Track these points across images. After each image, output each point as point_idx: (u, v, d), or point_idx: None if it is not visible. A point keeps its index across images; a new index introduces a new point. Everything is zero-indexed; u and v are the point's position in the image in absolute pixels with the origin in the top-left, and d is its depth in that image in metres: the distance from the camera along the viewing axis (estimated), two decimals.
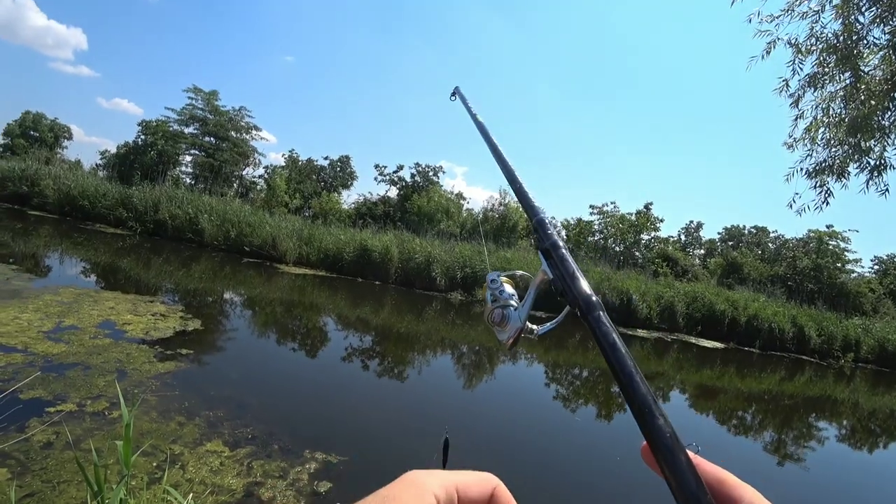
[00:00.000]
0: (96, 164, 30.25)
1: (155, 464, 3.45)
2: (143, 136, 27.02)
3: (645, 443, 0.37)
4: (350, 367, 7.54)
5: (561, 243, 0.51)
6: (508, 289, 0.54)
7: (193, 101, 27.84)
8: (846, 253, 26.39)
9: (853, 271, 27.07)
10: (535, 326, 0.51)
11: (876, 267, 29.59)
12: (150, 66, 73.57)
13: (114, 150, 28.90)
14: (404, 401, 6.50)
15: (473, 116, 0.93)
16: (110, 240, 15.90)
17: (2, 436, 3.48)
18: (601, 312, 0.43)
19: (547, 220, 0.56)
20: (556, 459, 5.35)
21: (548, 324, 0.50)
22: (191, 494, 2.45)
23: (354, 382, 6.92)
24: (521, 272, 0.58)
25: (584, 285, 0.45)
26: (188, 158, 28.46)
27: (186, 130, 28.03)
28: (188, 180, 27.51)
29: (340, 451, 4.18)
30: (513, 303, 0.52)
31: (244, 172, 30.28)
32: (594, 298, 0.44)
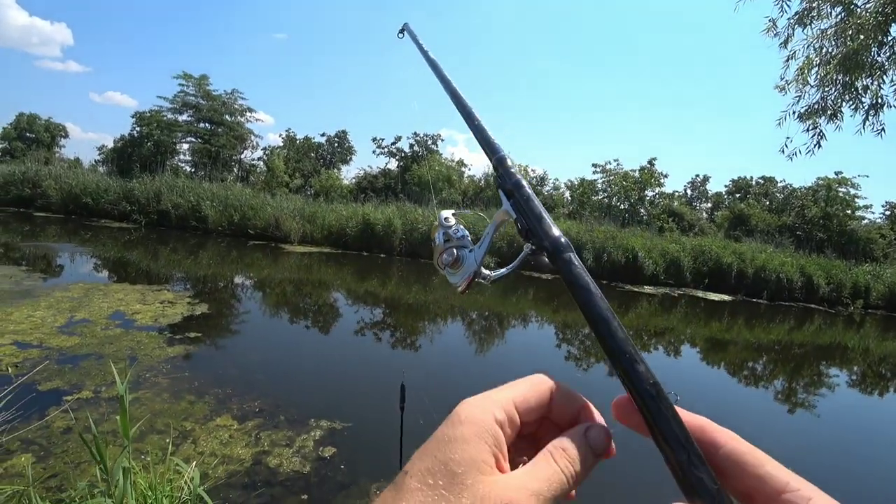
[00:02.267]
0: (95, 161, 30.31)
1: (167, 440, 3.61)
2: (137, 128, 26.94)
3: (620, 397, 0.35)
4: (357, 340, 7.68)
5: (524, 182, 0.48)
6: (462, 229, 0.49)
7: (184, 88, 27.58)
8: (856, 199, 25.91)
9: (864, 218, 26.62)
10: (488, 272, 0.47)
11: (888, 213, 29.06)
12: (139, 54, 72.48)
13: (111, 145, 28.91)
14: (411, 369, 6.64)
15: (425, 53, 0.84)
16: (116, 234, 16.08)
17: (24, 424, 3.64)
18: (571, 254, 0.40)
19: (508, 159, 0.52)
20: None
21: (502, 269, 0.47)
22: (194, 463, 2.57)
23: (361, 354, 7.07)
24: (475, 212, 0.54)
25: (553, 226, 0.43)
26: (185, 146, 28.41)
27: (181, 118, 27.87)
28: (187, 168, 27.52)
29: (344, 418, 4.33)
30: (467, 244, 0.48)
31: (242, 156, 30.22)
32: (563, 240, 0.42)
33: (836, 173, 25.70)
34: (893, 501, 4.58)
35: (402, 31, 0.98)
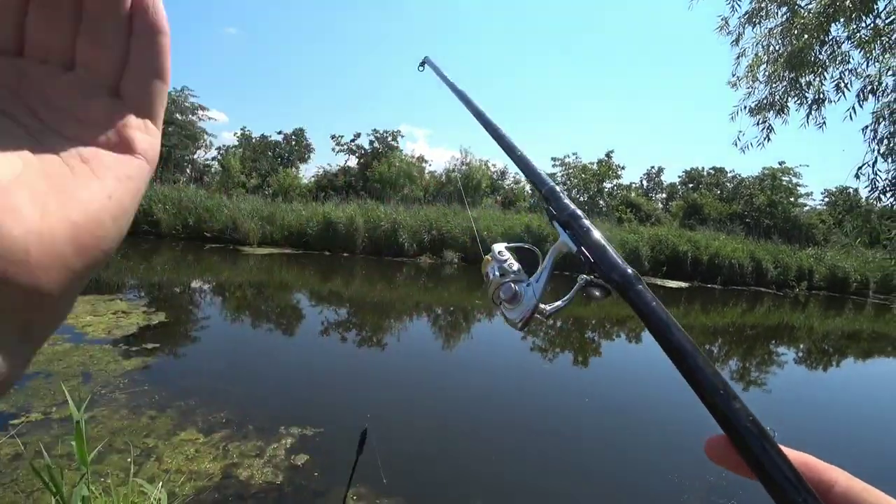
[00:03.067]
0: None
1: (128, 459, 3.42)
2: None
3: (715, 437, 0.32)
4: (324, 341, 7.55)
5: (580, 212, 0.46)
6: (517, 263, 0.48)
7: None
8: (798, 187, 27.65)
9: (805, 205, 28.48)
10: (544, 305, 0.45)
11: (826, 199, 31.10)
12: None
13: None
14: (381, 369, 6.58)
15: (452, 86, 0.82)
16: None
17: None
18: (641, 286, 0.38)
19: (558, 189, 0.50)
20: (539, 409, 5.56)
21: (558, 302, 0.45)
22: (160, 483, 2.44)
23: (329, 356, 6.95)
24: (528, 245, 0.51)
25: (616, 256, 0.41)
26: None
27: None
28: None
29: (315, 424, 4.24)
30: (524, 278, 0.46)
31: (196, 156, 29.05)
32: (630, 271, 0.40)
33: (780, 163, 27.29)
34: (841, 456, 4.90)
35: (422, 64, 0.97)
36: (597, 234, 0.43)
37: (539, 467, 4.19)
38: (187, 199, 17.41)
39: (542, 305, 0.45)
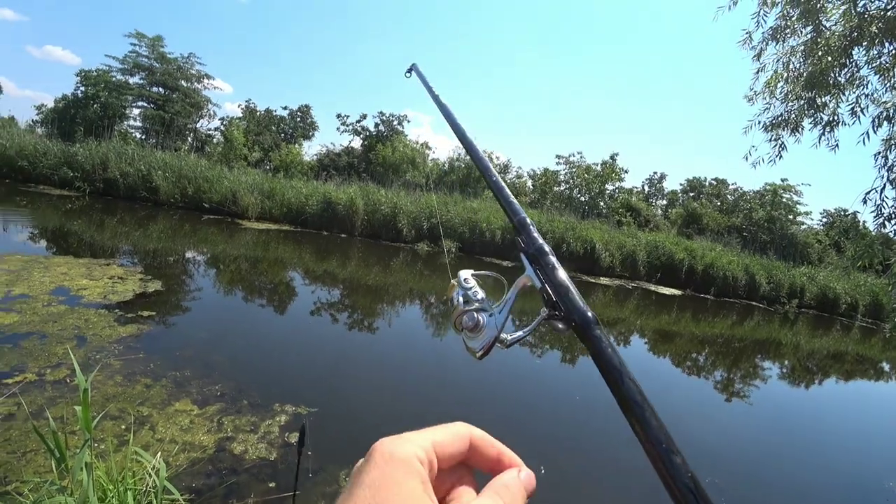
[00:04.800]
0: (33, 121, 27.96)
1: (123, 427, 3.43)
2: (82, 88, 24.99)
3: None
4: (317, 320, 7.56)
5: (547, 248, 0.46)
6: (481, 291, 0.48)
7: (137, 48, 25.81)
8: (798, 206, 27.79)
9: (803, 223, 28.65)
10: (505, 335, 0.46)
11: (824, 220, 31.31)
12: (85, 7, 66.86)
13: (51, 105, 26.72)
14: (373, 352, 6.61)
15: (436, 98, 0.84)
16: (57, 202, 14.99)
17: None
18: (599, 331, 0.39)
19: (529, 221, 0.51)
20: (526, 400, 5.62)
21: (519, 333, 0.46)
22: (158, 454, 2.45)
23: (322, 336, 6.97)
24: (494, 274, 0.51)
25: (578, 298, 0.42)
26: (136, 111, 26.68)
27: (131, 80, 26.07)
28: (138, 135, 25.92)
29: (310, 403, 4.27)
30: (487, 308, 0.46)
31: (198, 125, 28.72)
32: (590, 314, 0.40)
33: (783, 180, 27.37)
34: (813, 471, 5.02)
35: (409, 70, 0.97)
36: (562, 274, 0.45)
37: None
38: (188, 167, 17.24)
39: (503, 335, 0.45)
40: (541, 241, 0.48)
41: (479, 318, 0.45)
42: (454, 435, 0.36)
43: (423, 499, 0.30)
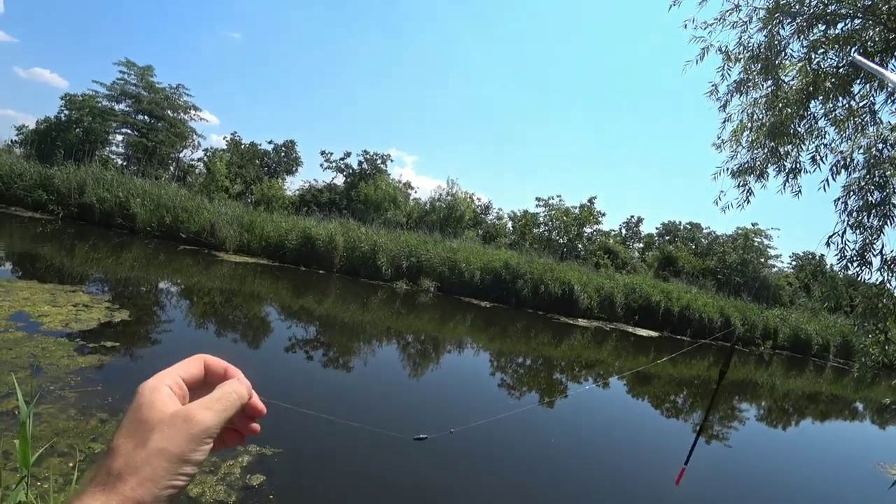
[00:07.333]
0: (12, 141, 27.47)
1: (70, 464, 3.22)
2: (66, 112, 24.85)
3: None
4: (291, 357, 7.35)
5: None
6: None
7: (125, 76, 25.95)
8: (769, 249, 28.71)
9: (774, 266, 29.53)
10: None
11: (794, 263, 32.35)
12: (77, 34, 67.04)
13: (33, 126, 26.41)
14: (346, 391, 6.42)
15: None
16: (27, 224, 14.60)
17: None
18: None
19: None
20: (501, 429, 5.48)
21: None
22: None
23: (293, 374, 6.77)
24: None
25: None
26: (119, 138, 26.57)
27: (117, 107, 26.10)
28: (119, 161, 25.69)
29: (275, 444, 4.09)
30: None
31: (181, 154, 28.64)
32: None
33: (753, 224, 28.35)
34: None
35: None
36: None
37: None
38: (167, 196, 17.05)
39: None
40: None
41: None
42: (190, 362, 0.50)
43: (167, 402, 0.43)
